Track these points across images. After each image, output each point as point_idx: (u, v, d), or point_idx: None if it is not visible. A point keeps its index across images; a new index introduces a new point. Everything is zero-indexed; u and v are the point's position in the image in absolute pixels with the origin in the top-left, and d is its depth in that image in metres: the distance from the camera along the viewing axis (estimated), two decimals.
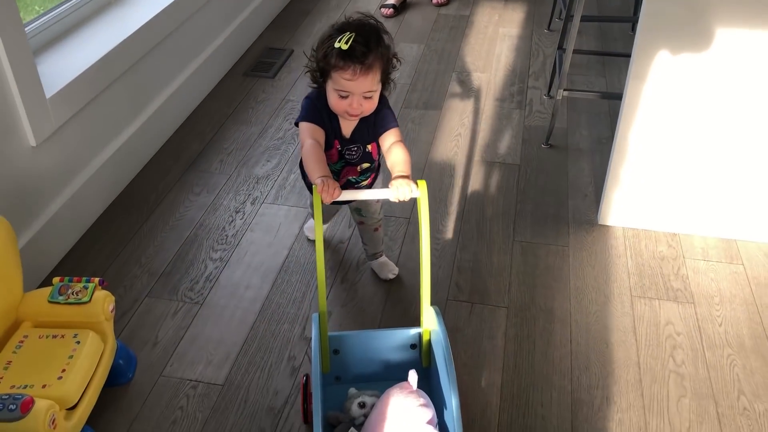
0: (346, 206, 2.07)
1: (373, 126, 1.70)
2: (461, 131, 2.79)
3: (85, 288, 1.66)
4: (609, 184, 2.24)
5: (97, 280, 1.68)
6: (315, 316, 1.58)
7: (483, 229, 2.29)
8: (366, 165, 1.77)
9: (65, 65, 2.20)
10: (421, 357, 1.65)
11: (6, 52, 1.85)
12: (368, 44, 1.56)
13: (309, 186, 1.81)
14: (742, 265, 2.15)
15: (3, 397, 1.41)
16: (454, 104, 2.97)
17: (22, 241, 1.97)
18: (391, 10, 3.72)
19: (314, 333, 1.56)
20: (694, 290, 2.06)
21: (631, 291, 2.06)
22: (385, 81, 1.67)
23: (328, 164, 1.72)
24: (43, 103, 2.00)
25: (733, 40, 1.90)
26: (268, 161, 2.60)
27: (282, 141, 2.72)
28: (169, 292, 2.04)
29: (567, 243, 2.23)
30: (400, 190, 1.54)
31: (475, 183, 2.50)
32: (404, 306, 2.01)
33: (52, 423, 1.42)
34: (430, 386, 1.62)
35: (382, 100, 1.70)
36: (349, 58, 1.54)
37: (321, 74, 1.64)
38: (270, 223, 2.30)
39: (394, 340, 1.65)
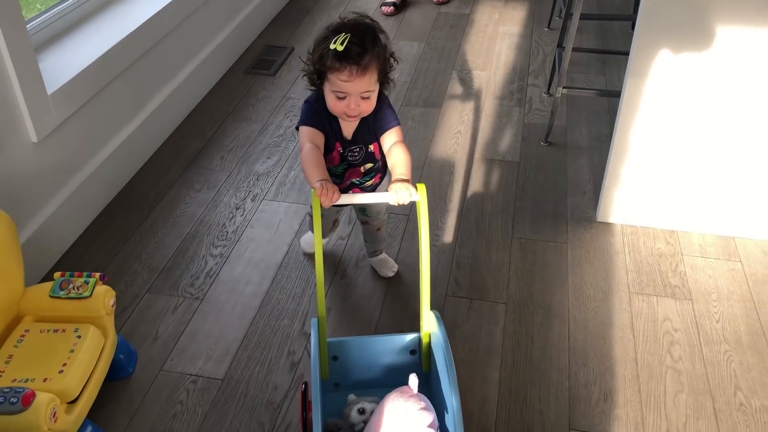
0: (346, 210, 2.08)
1: (373, 126, 1.70)
2: (461, 129, 2.80)
3: (86, 283, 1.67)
4: (608, 181, 2.25)
5: (98, 275, 1.69)
6: (314, 321, 1.56)
7: (482, 225, 2.30)
8: (369, 165, 1.77)
9: (67, 62, 2.21)
10: (421, 362, 1.63)
11: (8, 49, 1.86)
12: (364, 44, 1.54)
13: None
14: (740, 262, 2.16)
15: (4, 390, 1.42)
16: (454, 102, 2.98)
17: (23, 236, 1.98)
18: (392, 8, 3.73)
19: (313, 339, 1.54)
20: (691, 287, 2.07)
21: (629, 287, 2.07)
22: (384, 80, 1.66)
23: (331, 168, 1.73)
24: (44, 100, 2.01)
25: (731, 38, 1.91)
26: (268, 158, 2.62)
27: (282, 138, 2.73)
28: (169, 288, 2.05)
29: (565, 240, 2.24)
30: (399, 194, 1.52)
31: (475, 180, 2.51)
32: (403, 302, 2.02)
33: (53, 416, 1.44)
34: (430, 390, 1.60)
35: (382, 99, 1.69)
36: (344, 59, 1.53)
37: (318, 76, 1.63)
38: (270, 220, 2.32)
39: (393, 346, 1.63)
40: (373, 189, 1.83)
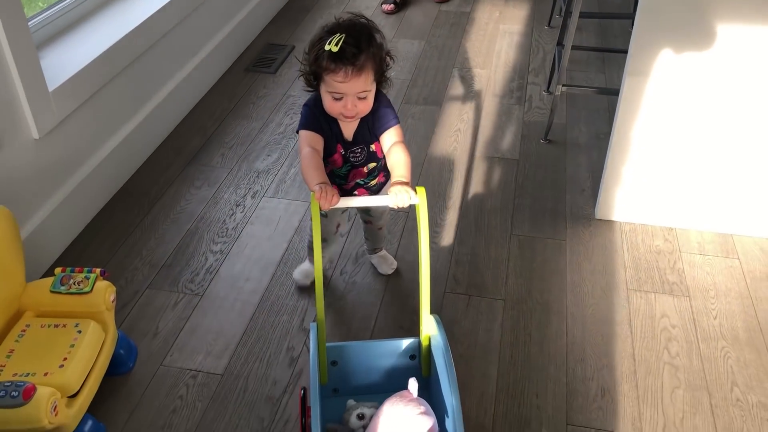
0: (350, 210, 2.06)
1: (373, 125, 1.69)
2: (461, 126, 2.81)
3: (87, 278, 1.69)
4: (606, 178, 2.25)
5: (98, 270, 1.70)
6: (312, 325, 1.55)
7: (481, 222, 2.31)
8: (372, 165, 1.76)
9: (68, 59, 2.22)
10: (421, 366, 1.62)
11: (10, 47, 1.87)
12: (359, 45, 1.53)
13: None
14: (738, 259, 2.16)
15: (5, 384, 1.43)
16: (454, 100, 2.99)
17: (25, 232, 1.99)
18: (392, 5, 3.74)
19: (312, 344, 1.53)
20: (689, 284, 2.08)
21: (627, 284, 2.08)
22: (381, 79, 1.65)
23: (334, 169, 1.73)
24: (45, 97, 2.02)
25: (730, 36, 1.92)
26: (268, 156, 2.63)
27: (282, 136, 2.74)
28: (169, 284, 2.06)
29: (564, 237, 2.25)
30: (398, 197, 1.51)
31: (474, 178, 2.52)
32: (402, 299, 2.03)
33: (54, 410, 1.45)
34: (430, 395, 1.59)
35: (380, 98, 1.67)
36: (339, 60, 1.52)
37: (314, 77, 1.62)
38: (270, 217, 2.33)
39: (393, 351, 1.62)
40: (378, 188, 1.83)
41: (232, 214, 2.33)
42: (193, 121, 2.82)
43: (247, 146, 2.68)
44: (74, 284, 1.68)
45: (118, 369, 1.78)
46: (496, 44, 3.45)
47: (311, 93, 1.69)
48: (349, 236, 2.24)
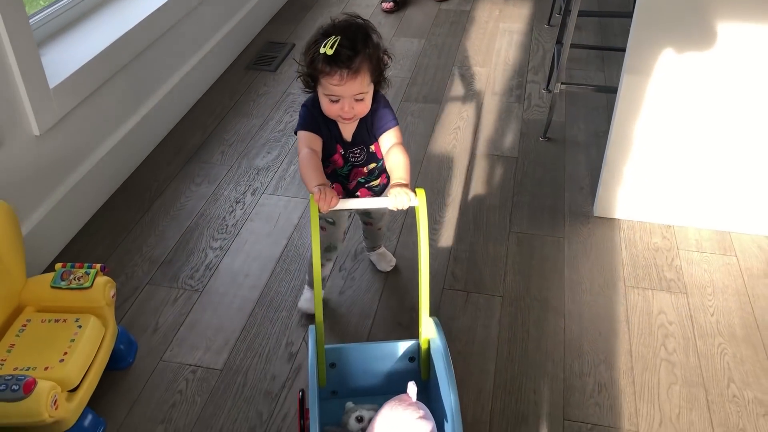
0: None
1: (371, 126, 1.67)
2: (460, 124, 2.82)
3: (87, 274, 1.70)
4: (605, 176, 2.26)
5: (98, 266, 1.71)
6: (311, 328, 1.54)
7: (480, 220, 2.32)
8: (372, 165, 1.75)
9: (69, 56, 2.23)
10: (420, 369, 1.61)
11: (11, 44, 1.88)
12: (354, 47, 1.52)
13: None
14: (736, 256, 2.17)
15: (6, 378, 1.45)
16: (453, 98, 3.00)
17: (25, 228, 2.00)
18: (391, 4, 3.74)
19: (311, 346, 1.52)
20: (687, 281, 2.09)
21: (625, 281, 2.09)
22: (378, 80, 1.63)
23: (336, 169, 1.72)
24: (46, 94, 2.03)
25: (727, 34, 1.93)
26: (268, 153, 2.64)
27: (282, 133, 2.75)
28: (169, 280, 2.08)
29: (562, 234, 2.26)
30: (398, 199, 1.50)
31: (473, 175, 2.53)
32: (400, 296, 2.04)
33: (54, 404, 1.46)
34: (429, 399, 1.58)
35: (379, 98, 1.66)
36: (335, 63, 1.51)
37: (311, 79, 1.60)
38: (270, 214, 2.34)
39: (392, 353, 1.61)
40: (381, 190, 1.81)
41: (232, 211, 2.35)
42: (194, 118, 2.84)
43: (247, 143, 2.69)
44: (74, 280, 1.69)
45: (118, 364, 1.79)
46: (495, 43, 3.46)
47: (310, 93, 1.68)
48: (349, 233, 2.25)
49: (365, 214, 1.98)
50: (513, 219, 2.33)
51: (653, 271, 2.12)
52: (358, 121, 1.66)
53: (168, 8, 2.63)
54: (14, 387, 1.42)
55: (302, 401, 1.56)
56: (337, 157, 1.70)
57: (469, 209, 2.37)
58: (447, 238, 2.24)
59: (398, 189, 1.52)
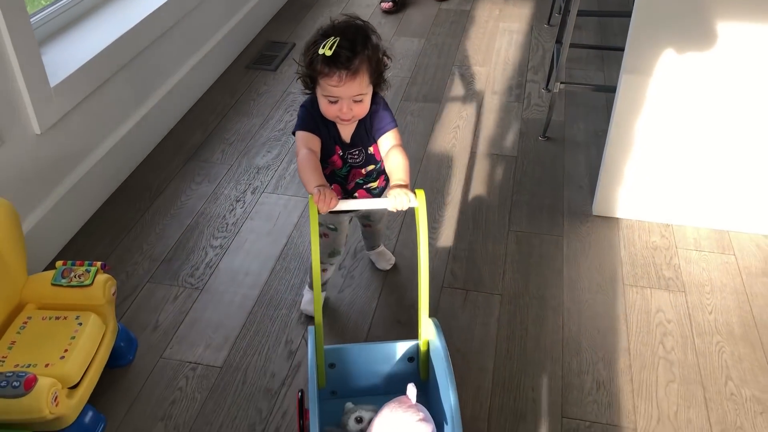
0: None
1: (370, 128, 1.67)
2: (460, 123, 2.83)
3: (87, 271, 1.71)
4: (604, 175, 2.27)
5: (99, 263, 1.72)
6: (310, 329, 1.54)
7: (479, 218, 2.33)
8: (371, 167, 1.74)
9: (70, 55, 2.24)
10: (419, 370, 1.61)
11: (12, 43, 1.89)
12: (354, 48, 1.51)
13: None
14: (734, 255, 2.18)
15: (7, 374, 1.45)
16: (453, 97, 3.01)
17: (26, 226, 2.01)
18: (390, 3, 3.74)
19: (310, 347, 1.52)
20: (685, 279, 2.09)
21: (623, 280, 2.09)
22: (377, 82, 1.62)
23: (335, 170, 1.71)
24: (47, 92, 2.04)
25: (726, 33, 1.93)
26: (268, 152, 2.65)
27: (282, 132, 2.76)
28: (169, 278, 2.09)
29: (561, 233, 2.27)
30: (398, 200, 1.49)
31: (473, 174, 2.54)
32: (400, 293, 2.05)
33: (55, 400, 1.47)
34: (427, 399, 1.58)
35: (378, 100, 1.65)
36: (333, 64, 1.50)
37: (310, 80, 1.60)
38: (269, 212, 2.35)
39: (391, 354, 1.61)
40: (379, 193, 1.81)
41: (232, 210, 2.35)
42: (194, 117, 2.84)
43: (247, 143, 2.70)
44: (75, 277, 1.70)
45: (118, 361, 1.80)
46: (495, 42, 3.46)
47: (308, 94, 1.67)
48: (348, 230, 2.25)
49: (364, 217, 1.98)
50: (512, 218, 2.33)
51: (652, 270, 2.12)
52: (356, 122, 1.66)
53: (168, 8, 2.64)
54: (15, 384, 1.43)
55: (301, 402, 1.56)
56: (335, 158, 1.70)
57: (469, 208, 2.38)
58: (446, 237, 2.25)
59: (398, 190, 1.51)
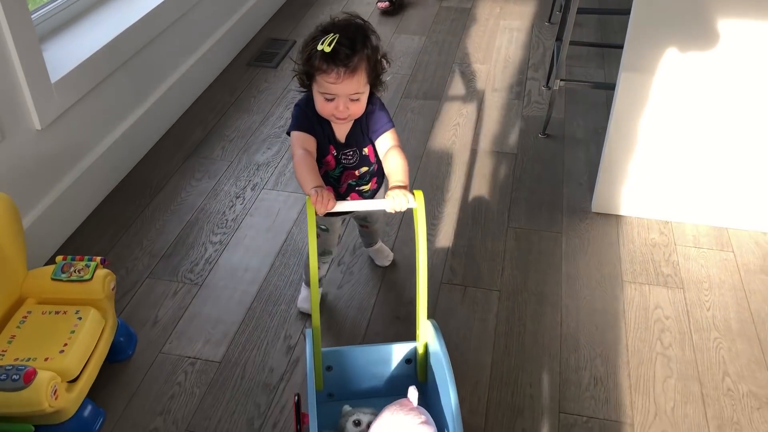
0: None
1: (367, 128, 1.65)
2: (460, 121, 2.83)
3: (87, 266, 1.71)
4: (603, 172, 2.27)
5: (98, 258, 1.73)
6: (308, 331, 1.53)
7: (478, 215, 2.34)
8: (364, 169, 1.72)
9: (71, 52, 2.25)
10: (417, 372, 1.60)
11: (13, 39, 1.90)
12: (353, 46, 1.50)
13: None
14: (732, 252, 2.18)
15: (7, 368, 1.46)
16: (453, 95, 3.01)
17: (27, 221, 2.02)
18: (387, 3, 3.73)
19: (308, 350, 1.51)
20: (684, 276, 2.10)
21: (622, 276, 2.10)
22: (375, 82, 1.61)
23: (328, 171, 1.70)
24: (48, 88, 2.05)
25: (724, 31, 1.94)
26: (268, 149, 2.65)
27: (282, 129, 2.77)
28: (169, 274, 2.09)
29: (560, 230, 2.27)
30: (396, 201, 1.48)
31: (472, 171, 2.54)
32: (398, 290, 2.05)
33: (54, 394, 1.48)
34: (426, 401, 1.56)
35: (374, 100, 1.64)
36: (332, 60, 1.49)
37: (307, 77, 1.58)
38: (269, 209, 2.35)
39: (389, 356, 1.60)
40: (371, 195, 1.80)
41: (232, 206, 2.36)
42: (195, 114, 2.85)
43: (247, 139, 2.70)
44: (75, 272, 1.71)
45: (117, 356, 1.81)
46: (496, 40, 3.47)
47: (303, 93, 1.66)
48: (348, 228, 2.26)
49: (362, 218, 1.97)
50: (511, 214, 2.34)
51: (650, 267, 2.13)
52: (352, 122, 1.65)
53: (169, 5, 2.64)
54: (14, 377, 1.44)
55: (298, 405, 1.54)
56: (329, 158, 1.68)
57: (468, 205, 2.38)
58: (446, 233, 2.26)
59: (397, 191, 1.50)
